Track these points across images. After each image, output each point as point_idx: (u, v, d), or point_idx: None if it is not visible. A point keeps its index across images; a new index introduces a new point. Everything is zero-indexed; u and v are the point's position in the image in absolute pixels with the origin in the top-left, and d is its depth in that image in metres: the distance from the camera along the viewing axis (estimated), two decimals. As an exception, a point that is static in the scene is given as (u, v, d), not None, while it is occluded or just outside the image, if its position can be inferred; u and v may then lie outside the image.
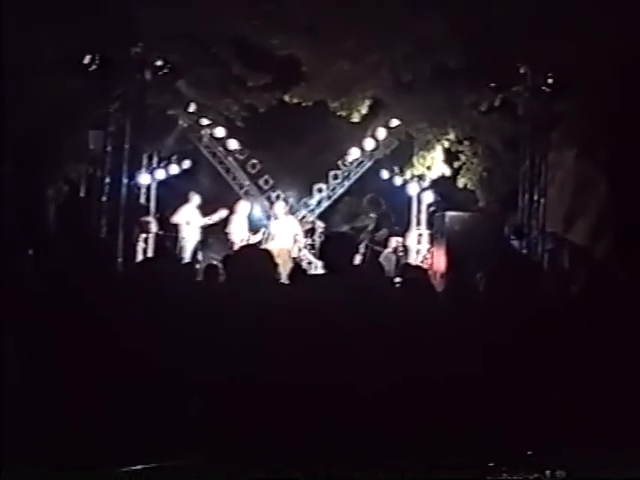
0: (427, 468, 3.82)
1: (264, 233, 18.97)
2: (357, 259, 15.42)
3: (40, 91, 14.29)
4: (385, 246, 19.66)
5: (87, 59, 14.52)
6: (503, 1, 14.55)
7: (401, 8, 14.68)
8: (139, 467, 3.88)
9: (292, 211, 20.96)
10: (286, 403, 4.43)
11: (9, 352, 4.57)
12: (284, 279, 10.28)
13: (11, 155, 13.93)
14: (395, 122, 19.93)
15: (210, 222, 18.39)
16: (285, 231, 18.46)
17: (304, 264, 17.91)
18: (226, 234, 18.45)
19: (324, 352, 4.63)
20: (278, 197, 21.72)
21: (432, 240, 19.57)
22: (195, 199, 18.62)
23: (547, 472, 3.78)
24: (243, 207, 19.11)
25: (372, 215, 21.08)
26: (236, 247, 16.78)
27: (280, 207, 19.15)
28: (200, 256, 18.06)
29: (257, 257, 6.24)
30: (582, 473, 3.90)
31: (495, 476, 3.78)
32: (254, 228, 19.24)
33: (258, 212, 21.22)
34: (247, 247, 10.22)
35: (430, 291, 7.78)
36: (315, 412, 4.40)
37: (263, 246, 17.57)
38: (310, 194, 21.77)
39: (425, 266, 16.40)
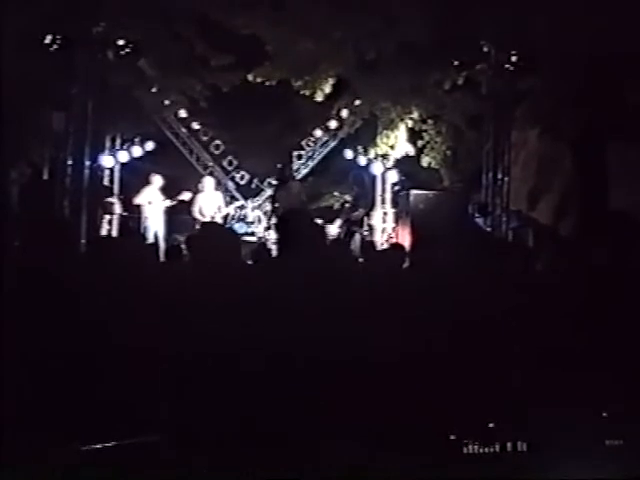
0: (387, 440, 3.83)
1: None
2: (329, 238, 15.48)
3: (0, 72, 14.14)
4: (361, 225, 19.57)
5: (48, 39, 14.38)
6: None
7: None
8: (99, 446, 3.86)
9: (256, 191, 21.02)
10: (250, 383, 4.43)
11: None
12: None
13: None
14: (359, 101, 19.89)
15: (172, 204, 18.25)
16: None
17: (269, 244, 17.76)
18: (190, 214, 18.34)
19: (291, 336, 4.62)
20: (243, 177, 21.71)
21: (397, 219, 19.63)
22: (157, 180, 18.43)
23: (508, 445, 3.80)
24: (208, 183, 18.89)
25: (336, 194, 21.07)
26: (199, 226, 16.62)
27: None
28: (162, 237, 17.92)
29: (221, 237, 6.21)
30: (544, 446, 3.93)
31: (456, 449, 3.79)
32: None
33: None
34: (211, 226, 10.14)
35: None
36: (283, 393, 4.40)
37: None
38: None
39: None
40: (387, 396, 4.35)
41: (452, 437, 3.84)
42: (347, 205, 20.09)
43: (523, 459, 3.76)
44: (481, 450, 3.78)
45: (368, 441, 3.78)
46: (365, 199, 20.63)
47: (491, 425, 3.99)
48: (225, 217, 18.54)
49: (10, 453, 3.87)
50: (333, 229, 18.58)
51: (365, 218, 19.83)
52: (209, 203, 18.27)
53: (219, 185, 20.14)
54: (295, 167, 22.19)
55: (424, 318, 5.20)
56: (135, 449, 4.00)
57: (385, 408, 4.28)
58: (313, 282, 5.14)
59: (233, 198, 20.90)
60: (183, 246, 10.21)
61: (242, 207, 20.36)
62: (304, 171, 22.54)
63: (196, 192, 18.42)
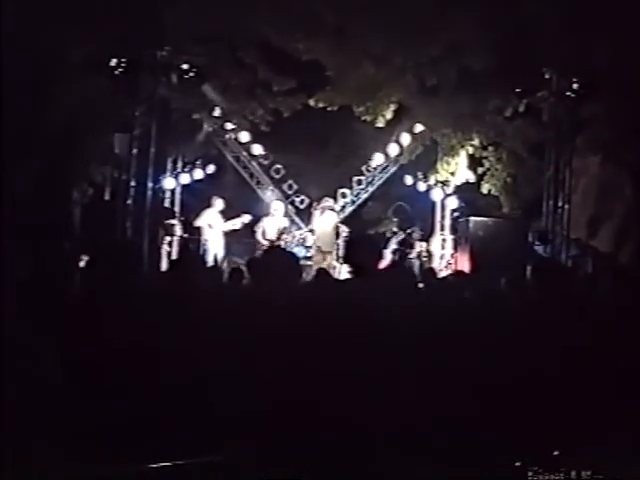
0: (454, 467, 3.82)
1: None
2: (384, 262, 15.47)
3: (66, 94, 14.37)
4: (412, 247, 19.48)
5: (113, 62, 14.58)
6: (528, 5, 14.53)
7: (426, 12, 14.69)
8: (157, 465, 3.89)
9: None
10: (309, 406, 4.44)
11: (34, 353, 4.58)
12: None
13: (38, 157, 14.00)
14: (419, 127, 19.92)
15: (232, 227, 18.37)
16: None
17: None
18: (252, 237, 18.45)
19: (350, 359, 4.63)
20: (302, 202, 21.79)
21: (456, 245, 19.58)
22: (218, 203, 18.59)
23: (573, 473, 3.78)
24: (277, 207, 19.06)
25: (395, 219, 21.07)
26: (260, 250, 16.74)
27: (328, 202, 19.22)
28: (223, 259, 18.05)
29: (282, 260, 6.22)
30: (608, 473, 3.89)
31: (521, 476, 3.77)
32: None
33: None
34: (272, 250, 10.18)
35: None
36: (337, 413, 4.41)
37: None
38: (334, 199, 21.63)
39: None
40: (454, 422, 4.35)
41: (517, 464, 3.83)
42: (400, 231, 20.06)
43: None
44: (545, 478, 3.76)
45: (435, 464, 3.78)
46: (413, 226, 20.57)
47: (555, 453, 3.97)
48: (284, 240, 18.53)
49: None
50: (387, 253, 18.58)
51: (424, 244, 19.76)
52: (273, 226, 18.37)
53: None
54: (355, 192, 22.30)
55: (488, 346, 5.19)
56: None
57: (451, 434, 4.27)
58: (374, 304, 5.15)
59: (292, 222, 20.95)
60: (244, 268, 10.29)
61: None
62: (364, 196, 22.56)
63: (259, 215, 18.60)
